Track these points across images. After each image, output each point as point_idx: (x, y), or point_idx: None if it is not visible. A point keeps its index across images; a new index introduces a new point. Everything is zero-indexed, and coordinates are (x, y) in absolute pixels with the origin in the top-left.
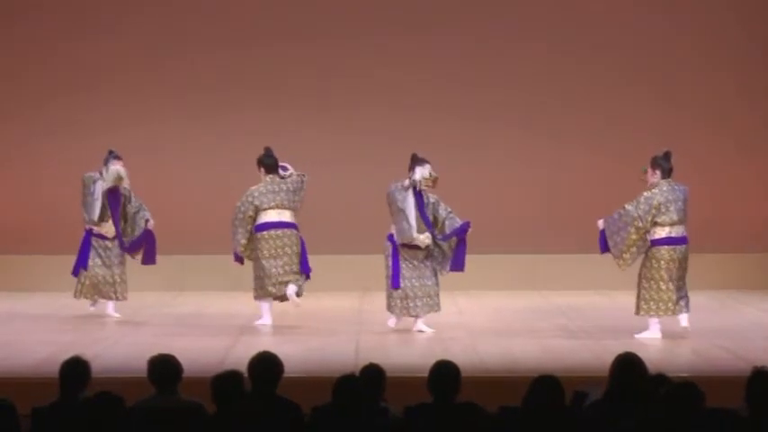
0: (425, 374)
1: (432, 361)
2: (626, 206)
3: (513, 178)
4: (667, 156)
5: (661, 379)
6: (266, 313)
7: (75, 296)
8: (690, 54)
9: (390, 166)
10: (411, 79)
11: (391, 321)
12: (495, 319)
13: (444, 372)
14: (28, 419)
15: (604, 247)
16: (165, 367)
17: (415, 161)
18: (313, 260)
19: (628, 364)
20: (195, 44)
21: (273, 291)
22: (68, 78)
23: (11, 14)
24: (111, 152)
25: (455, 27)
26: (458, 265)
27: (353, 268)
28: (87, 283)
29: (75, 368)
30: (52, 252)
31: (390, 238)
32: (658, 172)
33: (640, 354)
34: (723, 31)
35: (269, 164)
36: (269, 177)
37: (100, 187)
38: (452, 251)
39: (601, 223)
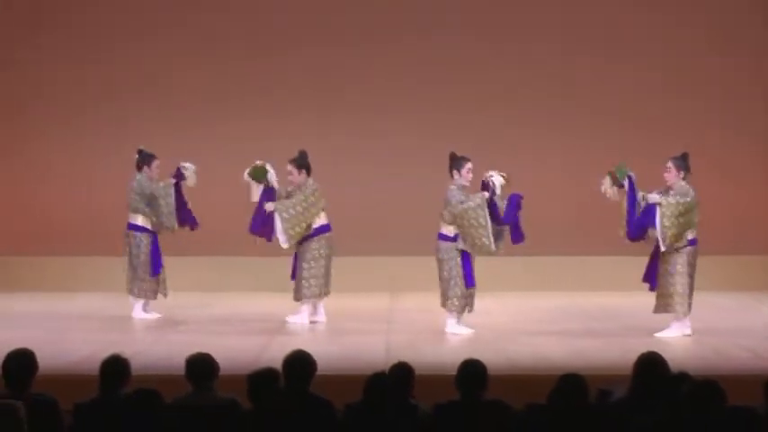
0: (454, 372)
1: (460, 359)
2: (688, 198)
3: (538, 181)
4: (686, 157)
5: (683, 377)
6: (307, 312)
7: (134, 295)
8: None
9: (418, 167)
10: (438, 81)
11: (452, 322)
12: (522, 319)
13: (472, 370)
14: (70, 415)
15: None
16: (201, 365)
17: (456, 160)
18: (344, 261)
19: (650, 363)
20: (235, 50)
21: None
22: (111, 83)
23: (53, 21)
24: (141, 151)
25: (481, 29)
26: (519, 237)
27: (383, 269)
28: (150, 283)
29: (115, 366)
30: (94, 253)
31: (444, 238)
32: (682, 173)
33: (663, 353)
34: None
35: (309, 166)
36: (311, 180)
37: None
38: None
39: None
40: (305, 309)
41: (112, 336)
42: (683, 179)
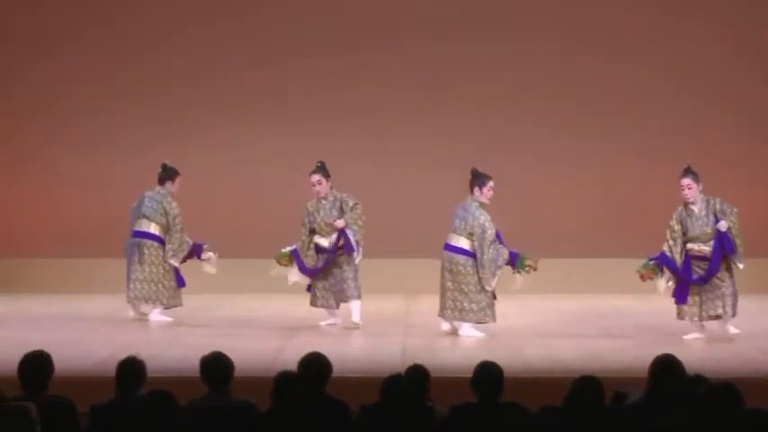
0: (470, 375)
1: (476, 362)
2: (735, 210)
3: (552, 184)
4: (693, 169)
5: (699, 380)
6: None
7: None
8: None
9: (433, 170)
10: (454, 85)
11: (467, 326)
12: (537, 321)
13: (488, 372)
14: (86, 417)
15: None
16: (217, 366)
17: (479, 177)
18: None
19: (666, 366)
20: (251, 59)
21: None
22: (126, 88)
23: (66, 31)
24: (165, 166)
25: (504, 33)
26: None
27: (399, 272)
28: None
29: (131, 368)
30: (111, 256)
31: (461, 251)
32: (701, 185)
33: (679, 356)
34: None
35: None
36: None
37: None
38: None
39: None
40: (357, 307)
41: (129, 338)
42: (700, 191)
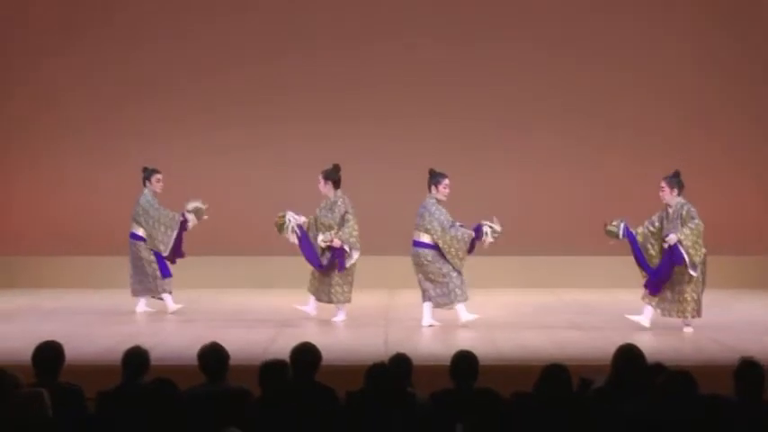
0: (448, 363)
1: (453, 351)
2: (696, 220)
3: (526, 185)
4: (678, 174)
5: (659, 368)
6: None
7: (136, 294)
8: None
9: (411, 169)
10: (434, 85)
11: (464, 311)
12: (510, 313)
13: (464, 361)
14: (94, 402)
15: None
16: (214, 355)
17: (434, 176)
18: None
19: (628, 355)
20: (246, 55)
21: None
22: (122, 94)
23: (83, 26)
24: (144, 168)
25: (492, 35)
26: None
27: (382, 268)
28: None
29: (137, 357)
30: (111, 254)
31: (424, 245)
32: (676, 190)
33: (640, 345)
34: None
35: (338, 179)
36: (340, 192)
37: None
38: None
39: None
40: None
41: (132, 329)
42: (678, 195)
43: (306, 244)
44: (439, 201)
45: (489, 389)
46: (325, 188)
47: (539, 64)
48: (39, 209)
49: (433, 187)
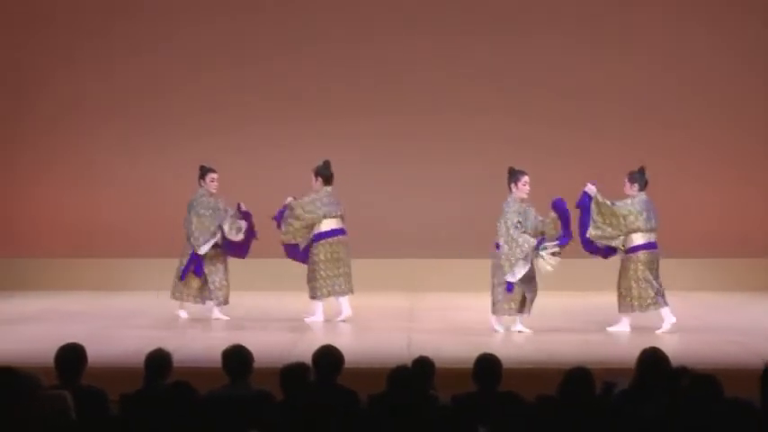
0: (471, 366)
1: (476, 354)
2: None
3: (552, 184)
4: (642, 171)
5: (683, 371)
6: (319, 311)
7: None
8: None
9: (430, 169)
10: (447, 82)
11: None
12: (534, 317)
13: (487, 364)
14: (117, 404)
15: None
16: (237, 357)
17: (513, 174)
18: (366, 263)
19: (653, 358)
20: (259, 52)
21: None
22: (150, 88)
23: (109, 21)
24: (201, 167)
25: (482, 31)
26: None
27: (405, 271)
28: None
29: (159, 359)
30: (142, 256)
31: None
32: (636, 185)
33: (664, 348)
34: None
35: (328, 175)
36: (328, 188)
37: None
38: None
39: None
40: (318, 307)
41: (155, 331)
42: (640, 191)
43: (290, 247)
44: (521, 199)
45: (512, 392)
46: (316, 184)
47: (555, 61)
48: (55, 211)
49: (512, 185)
